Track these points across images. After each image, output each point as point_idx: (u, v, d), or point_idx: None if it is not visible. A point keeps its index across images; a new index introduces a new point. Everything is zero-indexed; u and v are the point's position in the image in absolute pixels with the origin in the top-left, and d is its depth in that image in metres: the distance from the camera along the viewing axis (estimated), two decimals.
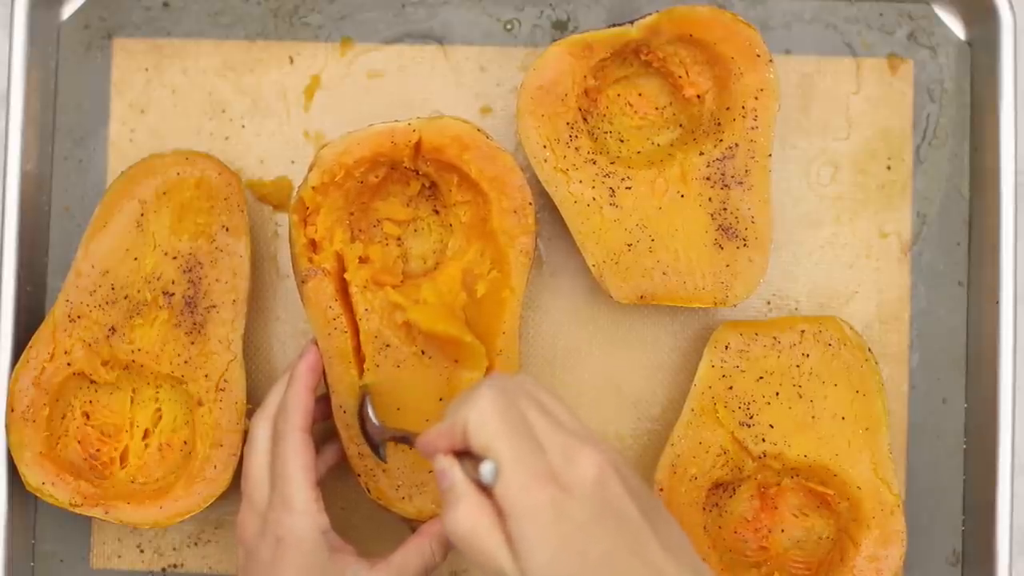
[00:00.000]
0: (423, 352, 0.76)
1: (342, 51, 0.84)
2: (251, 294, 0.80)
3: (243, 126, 0.84)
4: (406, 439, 0.71)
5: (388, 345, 0.76)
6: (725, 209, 0.78)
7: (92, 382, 0.80)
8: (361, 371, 0.76)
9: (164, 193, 0.79)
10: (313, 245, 0.76)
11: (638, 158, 0.80)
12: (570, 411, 0.64)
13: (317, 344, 0.76)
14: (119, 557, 0.83)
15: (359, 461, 0.76)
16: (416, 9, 0.84)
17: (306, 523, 0.70)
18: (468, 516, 0.61)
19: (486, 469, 0.60)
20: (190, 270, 0.78)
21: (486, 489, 0.61)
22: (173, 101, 0.84)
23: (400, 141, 0.75)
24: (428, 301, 0.76)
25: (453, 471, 0.62)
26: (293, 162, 0.84)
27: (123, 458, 0.80)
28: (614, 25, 0.78)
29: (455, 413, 0.62)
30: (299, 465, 0.71)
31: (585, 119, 0.80)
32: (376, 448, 0.74)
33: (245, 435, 0.77)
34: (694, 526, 0.76)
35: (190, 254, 0.78)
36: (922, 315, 0.83)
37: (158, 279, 0.78)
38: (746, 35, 0.77)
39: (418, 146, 0.75)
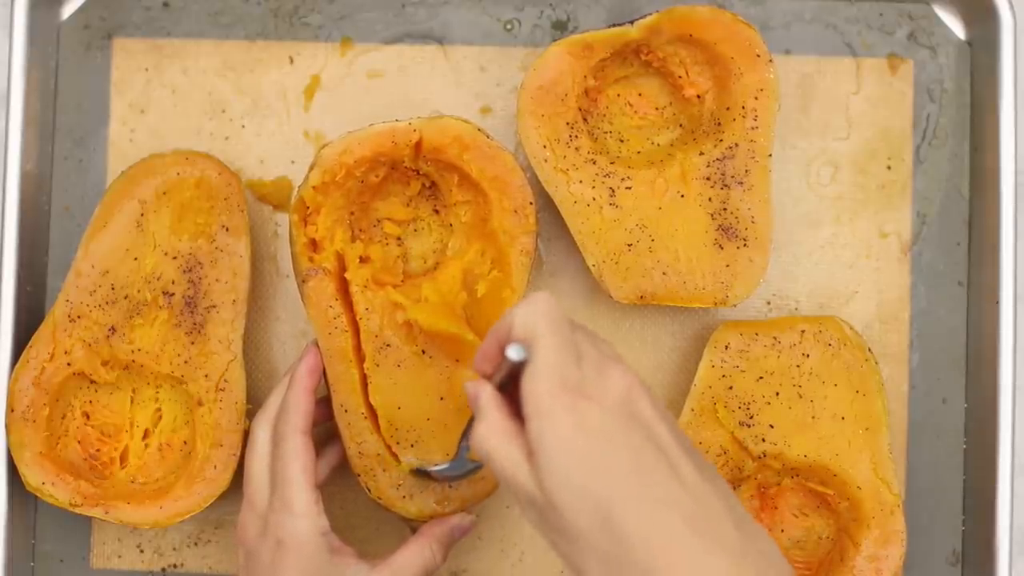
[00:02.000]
0: (424, 352, 0.76)
1: (342, 51, 0.84)
2: (251, 294, 0.80)
3: (243, 126, 0.84)
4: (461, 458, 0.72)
5: (388, 345, 0.76)
6: (725, 209, 0.78)
7: (92, 382, 0.80)
8: (362, 370, 0.76)
9: (164, 193, 0.79)
10: (313, 245, 0.76)
11: (638, 158, 0.80)
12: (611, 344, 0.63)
13: (317, 346, 0.76)
14: (119, 557, 0.83)
15: (359, 461, 0.76)
16: (416, 9, 0.84)
17: (306, 525, 0.69)
18: (490, 430, 0.60)
19: (513, 349, 0.59)
20: (190, 270, 0.78)
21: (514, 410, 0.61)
22: (173, 101, 0.84)
23: (401, 141, 0.75)
24: (429, 300, 0.76)
25: (480, 389, 0.61)
26: (293, 162, 0.84)
27: (123, 458, 0.80)
28: (614, 25, 0.78)
29: (508, 313, 0.61)
30: (299, 467, 0.71)
31: (585, 119, 0.80)
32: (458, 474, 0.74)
33: (245, 435, 0.77)
34: None
35: (190, 254, 0.78)
36: (922, 315, 0.83)
37: (158, 279, 0.78)
38: (746, 35, 0.77)
39: (418, 146, 0.75)
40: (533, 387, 0.58)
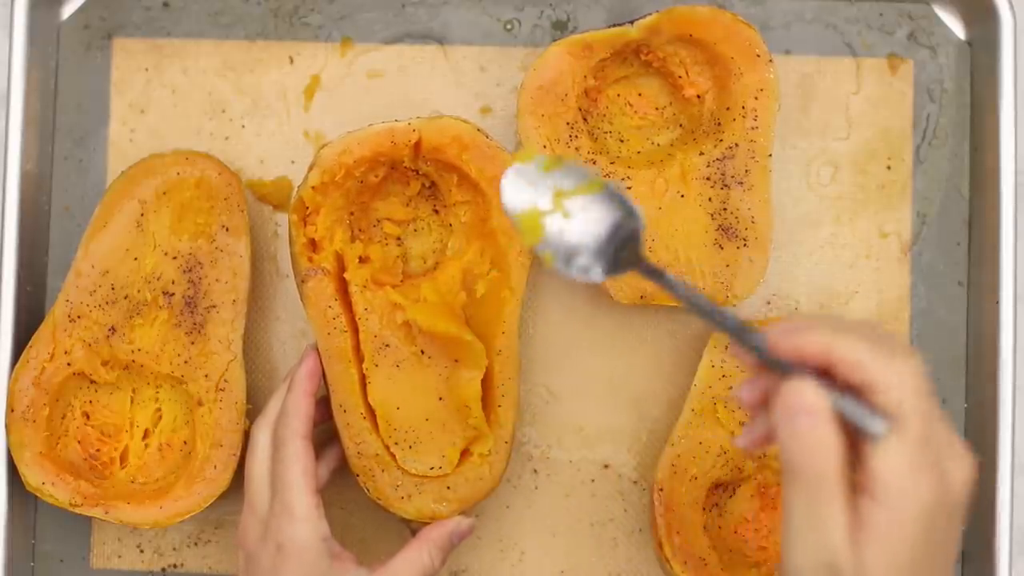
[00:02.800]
0: (423, 352, 0.76)
1: (342, 51, 0.84)
2: (251, 294, 0.80)
3: (243, 126, 0.84)
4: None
5: (387, 345, 0.76)
6: (725, 209, 0.78)
7: (92, 382, 0.80)
8: (360, 371, 0.76)
9: (164, 193, 0.79)
10: (313, 245, 0.76)
11: (638, 158, 0.80)
12: None
13: (316, 349, 0.76)
14: (119, 557, 0.83)
15: (358, 461, 0.76)
16: (416, 9, 0.84)
17: (307, 530, 0.69)
18: (821, 443, 0.52)
19: (877, 421, 0.53)
20: (190, 270, 0.78)
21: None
22: (173, 101, 0.84)
23: (400, 141, 0.75)
24: (428, 300, 0.76)
25: (818, 391, 0.54)
26: (293, 162, 0.84)
27: (123, 458, 0.80)
28: (614, 25, 0.78)
29: (873, 342, 0.54)
30: (299, 471, 0.70)
31: (585, 119, 0.80)
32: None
33: (246, 435, 0.77)
34: (694, 526, 0.76)
35: (190, 254, 0.78)
36: (922, 315, 0.83)
37: (158, 279, 0.78)
38: (746, 35, 0.77)
39: (418, 146, 0.75)
40: (891, 462, 0.52)
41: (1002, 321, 0.80)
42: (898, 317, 0.83)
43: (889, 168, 0.83)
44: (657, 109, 0.82)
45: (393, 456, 0.76)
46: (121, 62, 0.84)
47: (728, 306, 0.77)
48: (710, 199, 0.78)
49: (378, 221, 0.80)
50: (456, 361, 0.76)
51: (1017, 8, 0.81)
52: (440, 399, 0.76)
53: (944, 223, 0.83)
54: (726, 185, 0.78)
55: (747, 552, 0.79)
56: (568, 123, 0.78)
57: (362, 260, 0.78)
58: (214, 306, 0.78)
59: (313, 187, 0.75)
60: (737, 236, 0.77)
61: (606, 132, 0.81)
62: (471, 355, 0.75)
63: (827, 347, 0.54)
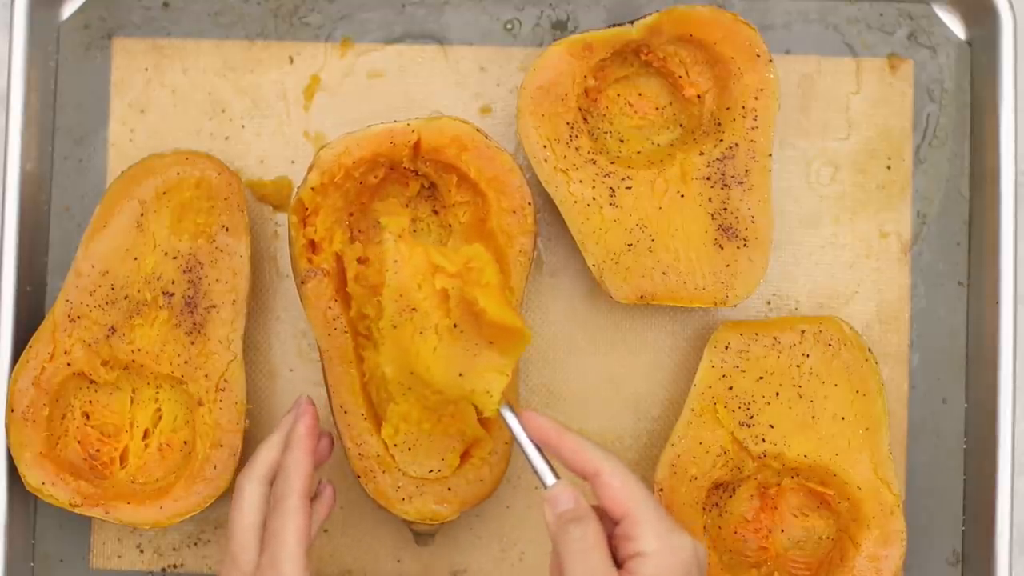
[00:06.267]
0: (455, 325, 0.68)
1: (342, 51, 0.84)
2: (251, 294, 0.80)
3: (243, 126, 0.84)
4: None
5: (415, 309, 0.68)
6: (725, 209, 0.78)
7: (92, 382, 0.80)
8: (361, 371, 0.76)
9: (164, 193, 0.79)
10: (312, 246, 0.76)
11: (638, 158, 0.80)
12: None
13: (311, 402, 0.72)
14: (119, 557, 0.83)
15: (359, 462, 0.76)
16: (416, 9, 0.84)
17: None
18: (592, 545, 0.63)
19: None
20: (190, 270, 0.78)
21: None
22: (173, 101, 0.84)
23: (399, 141, 0.75)
24: (491, 284, 0.68)
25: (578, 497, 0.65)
26: (293, 162, 0.84)
27: (123, 458, 0.80)
28: (614, 25, 0.79)
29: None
30: (294, 530, 0.68)
31: (585, 119, 0.80)
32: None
33: (245, 436, 0.77)
34: (694, 526, 0.77)
35: (190, 254, 0.78)
36: (922, 315, 0.83)
37: (158, 279, 0.78)
38: (746, 35, 0.77)
39: (417, 146, 0.75)
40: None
41: (1002, 321, 0.80)
42: (898, 317, 0.83)
43: (889, 168, 0.83)
44: (657, 109, 0.82)
45: (393, 457, 0.76)
46: (121, 62, 0.84)
47: (728, 306, 0.77)
48: (710, 199, 0.78)
49: (377, 222, 0.79)
50: (491, 343, 0.68)
51: (1017, 8, 0.81)
52: (460, 375, 0.68)
53: (944, 223, 0.83)
54: (726, 185, 0.78)
55: (747, 552, 0.79)
56: (568, 123, 0.78)
57: (361, 261, 0.77)
58: (214, 306, 0.78)
59: (312, 188, 0.75)
60: (737, 236, 0.77)
61: (606, 132, 0.81)
62: (513, 343, 0.68)
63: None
